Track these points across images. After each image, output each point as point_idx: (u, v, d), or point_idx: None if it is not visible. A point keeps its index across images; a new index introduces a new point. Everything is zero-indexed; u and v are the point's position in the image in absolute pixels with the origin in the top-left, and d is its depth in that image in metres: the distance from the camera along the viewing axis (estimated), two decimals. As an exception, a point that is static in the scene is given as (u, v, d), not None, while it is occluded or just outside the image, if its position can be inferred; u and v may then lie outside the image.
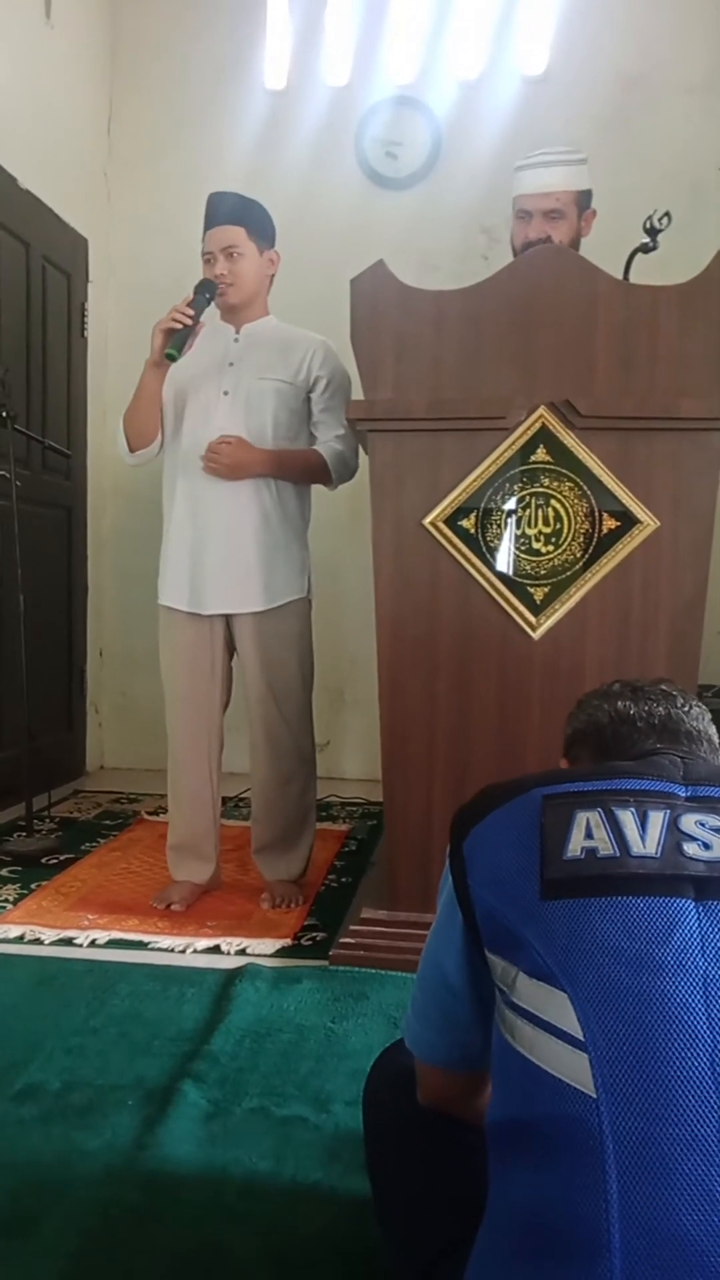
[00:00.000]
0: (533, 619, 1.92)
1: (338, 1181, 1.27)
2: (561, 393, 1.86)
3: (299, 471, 2.29)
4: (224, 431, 2.22)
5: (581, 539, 1.90)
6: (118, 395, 2.89)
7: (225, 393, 2.26)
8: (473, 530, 1.92)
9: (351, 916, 2.09)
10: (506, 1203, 0.74)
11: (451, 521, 1.92)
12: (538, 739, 1.92)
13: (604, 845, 0.77)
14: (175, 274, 2.90)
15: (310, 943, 2.12)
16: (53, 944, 2.08)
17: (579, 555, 1.90)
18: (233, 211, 2.24)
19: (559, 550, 1.91)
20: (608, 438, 1.87)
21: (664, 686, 1.02)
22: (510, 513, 1.91)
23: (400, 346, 1.91)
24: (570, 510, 1.90)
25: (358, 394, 2.00)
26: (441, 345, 1.90)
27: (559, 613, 1.91)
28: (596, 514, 1.89)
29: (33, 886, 2.43)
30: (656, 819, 0.79)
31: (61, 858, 2.67)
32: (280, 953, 2.06)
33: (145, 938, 2.12)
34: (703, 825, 0.78)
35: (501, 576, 1.92)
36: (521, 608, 1.92)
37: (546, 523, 1.90)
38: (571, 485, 1.89)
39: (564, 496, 1.89)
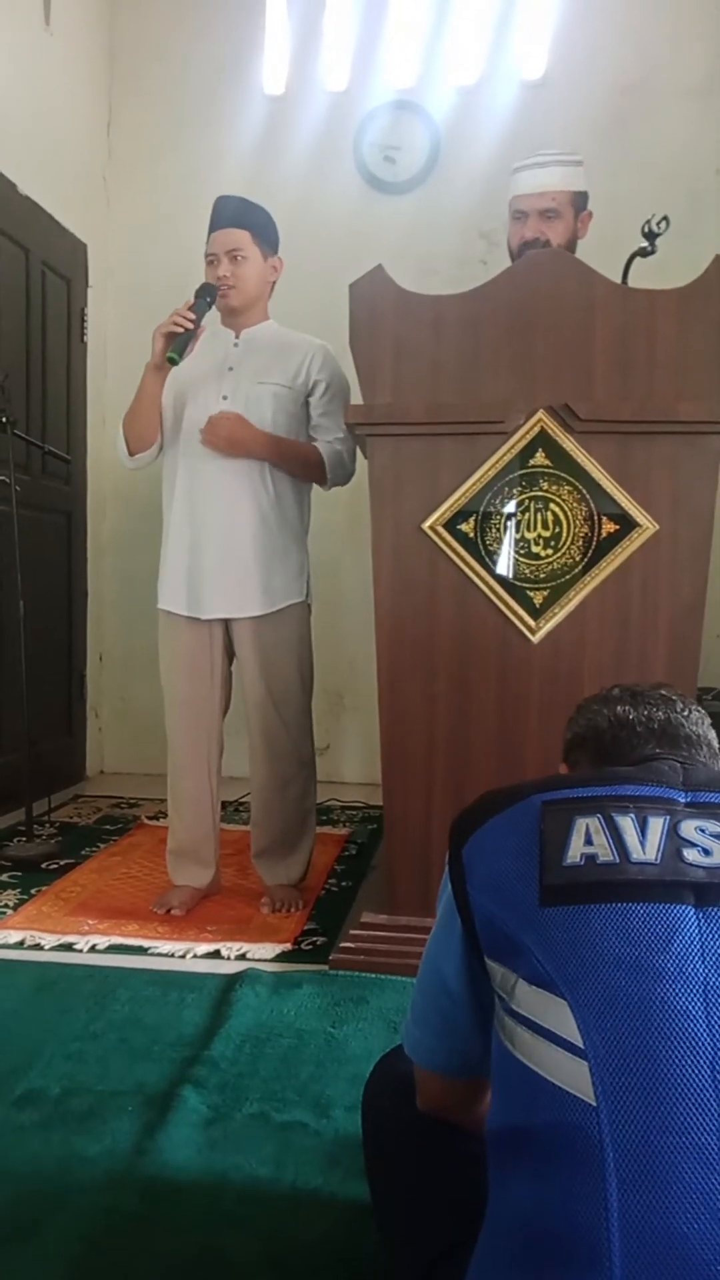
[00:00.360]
0: (532, 623, 1.92)
1: (338, 1187, 1.27)
2: (560, 397, 1.87)
3: (295, 461, 2.28)
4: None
5: (581, 542, 1.90)
6: (117, 400, 2.90)
7: (224, 397, 2.26)
8: (472, 534, 1.92)
9: (351, 921, 2.09)
10: (506, 1210, 0.74)
11: (450, 525, 1.92)
12: (537, 742, 1.92)
13: (604, 851, 0.77)
14: (175, 278, 2.90)
15: (310, 947, 2.12)
16: (53, 949, 2.08)
17: (578, 559, 1.90)
18: (239, 215, 2.24)
19: (558, 554, 1.91)
20: (606, 441, 1.87)
21: (664, 691, 1.02)
22: (509, 516, 1.91)
23: (399, 351, 1.91)
24: (569, 514, 1.90)
25: (356, 398, 2.00)
26: (440, 349, 1.90)
27: (558, 616, 1.91)
28: (595, 517, 1.89)
29: (33, 892, 2.43)
30: (656, 825, 0.78)
31: (61, 863, 2.67)
32: (280, 957, 2.06)
33: (145, 943, 2.11)
34: (703, 831, 0.78)
35: (501, 580, 1.92)
36: (521, 611, 1.92)
37: (545, 526, 1.91)
38: (570, 489, 1.89)
39: (563, 500, 1.90)
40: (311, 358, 2.29)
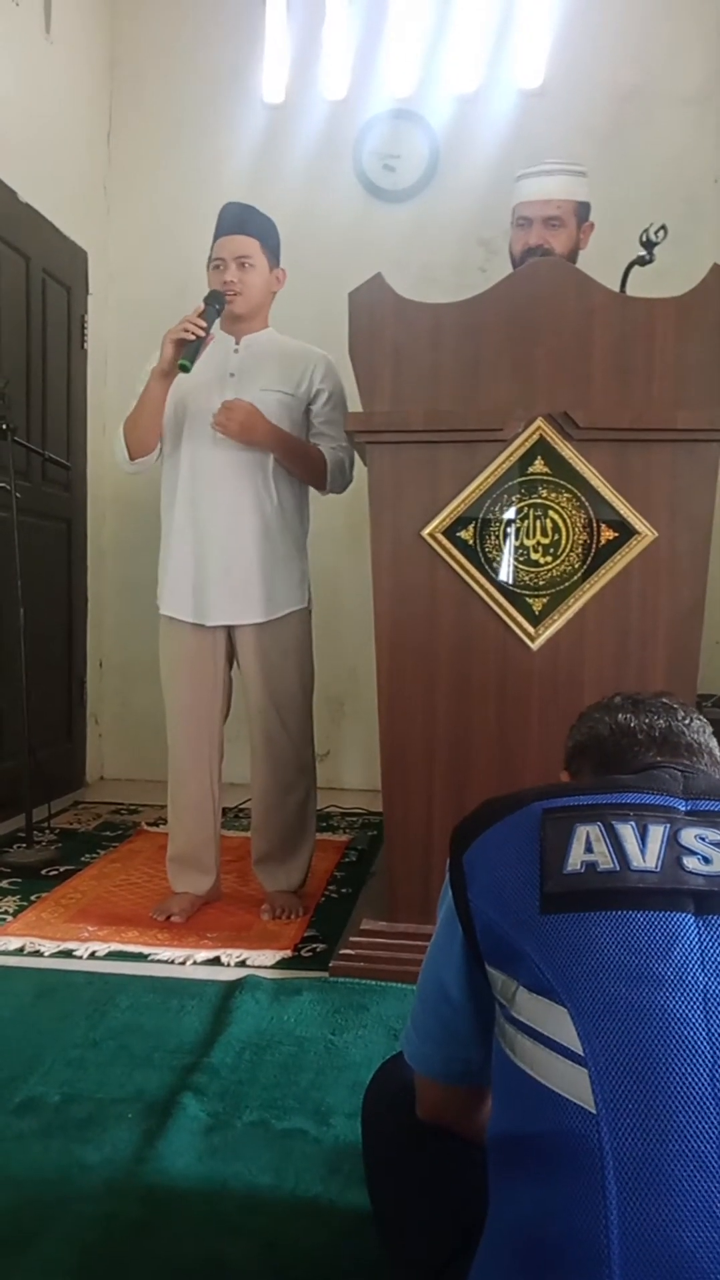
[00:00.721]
0: (531, 629, 1.92)
1: (338, 1194, 1.27)
2: (559, 404, 1.87)
3: (299, 459, 2.28)
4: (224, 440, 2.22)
5: (580, 550, 1.90)
6: (118, 407, 2.90)
7: (226, 404, 2.26)
8: (471, 541, 1.93)
9: (351, 928, 2.09)
10: (506, 1217, 0.74)
11: (450, 533, 1.93)
12: (537, 749, 1.92)
13: (604, 859, 0.78)
14: (175, 286, 2.92)
15: (310, 954, 2.12)
16: (52, 956, 2.08)
17: (577, 566, 1.90)
18: (249, 222, 2.25)
19: (557, 561, 1.91)
20: (605, 449, 1.88)
21: (665, 699, 1.02)
22: (509, 524, 1.92)
23: (398, 359, 1.92)
24: (568, 521, 1.90)
25: (355, 406, 2.01)
26: (439, 357, 1.91)
27: (558, 623, 1.92)
28: (595, 525, 1.89)
29: (33, 898, 2.43)
30: (656, 833, 0.79)
31: (61, 869, 2.67)
32: (280, 964, 2.06)
33: (145, 950, 2.11)
34: (703, 839, 0.78)
35: (500, 587, 1.93)
36: (520, 618, 1.92)
37: (545, 533, 1.91)
38: (570, 496, 1.90)
39: (562, 507, 1.90)
40: (314, 367, 2.30)
